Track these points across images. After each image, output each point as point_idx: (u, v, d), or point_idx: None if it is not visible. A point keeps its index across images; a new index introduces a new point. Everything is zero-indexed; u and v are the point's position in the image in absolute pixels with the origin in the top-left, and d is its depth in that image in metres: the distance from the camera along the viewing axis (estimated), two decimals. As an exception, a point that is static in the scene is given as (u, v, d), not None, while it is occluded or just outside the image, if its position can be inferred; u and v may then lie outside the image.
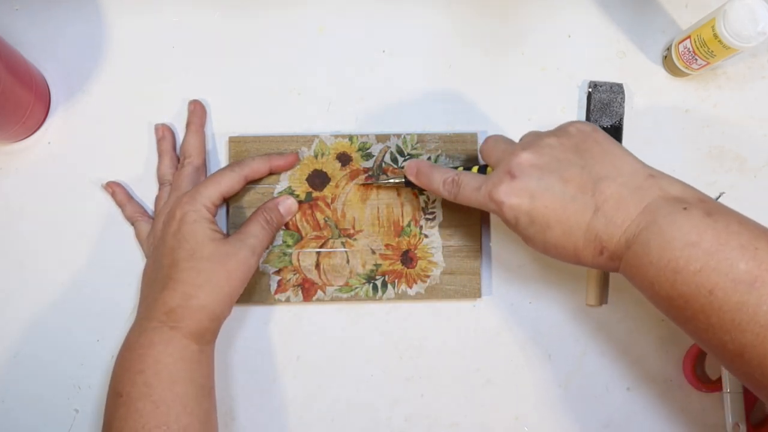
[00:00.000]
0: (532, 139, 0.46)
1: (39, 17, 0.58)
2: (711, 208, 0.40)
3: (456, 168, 0.51)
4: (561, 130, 0.46)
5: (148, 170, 0.57)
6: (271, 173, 0.55)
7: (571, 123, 0.46)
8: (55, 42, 0.58)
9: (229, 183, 0.52)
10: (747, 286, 0.37)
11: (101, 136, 0.57)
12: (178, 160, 0.56)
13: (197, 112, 0.56)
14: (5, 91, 0.49)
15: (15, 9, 0.58)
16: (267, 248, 0.55)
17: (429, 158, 0.56)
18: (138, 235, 0.55)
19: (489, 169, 0.50)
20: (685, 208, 0.40)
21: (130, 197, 0.56)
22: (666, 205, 0.41)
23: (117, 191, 0.56)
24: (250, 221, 0.52)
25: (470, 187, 0.46)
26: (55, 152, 0.57)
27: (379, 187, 0.56)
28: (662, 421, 0.56)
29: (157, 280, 0.49)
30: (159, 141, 0.56)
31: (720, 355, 0.40)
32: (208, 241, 0.49)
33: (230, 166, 0.53)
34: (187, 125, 0.56)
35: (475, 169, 0.52)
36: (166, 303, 0.48)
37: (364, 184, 0.56)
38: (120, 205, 0.56)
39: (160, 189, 0.56)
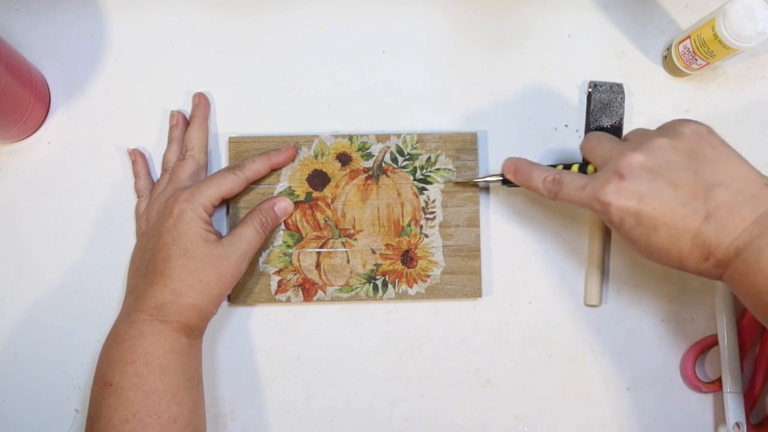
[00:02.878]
0: (642, 139, 0.45)
1: (39, 17, 0.58)
2: None
3: (554, 166, 0.50)
4: (673, 131, 0.44)
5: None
6: (272, 170, 0.55)
7: (685, 122, 0.45)
8: (55, 42, 0.58)
9: (230, 185, 0.52)
10: None
11: (101, 136, 0.57)
12: None
13: (201, 105, 0.56)
14: (5, 91, 0.49)
15: (15, 9, 0.58)
16: (258, 249, 0.54)
17: (429, 158, 0.56)
18: (136, 210, 0.56)
19: (591, 168, 0.49)
20: None
21: (147, 172, 0.56)
22: None
23: (138, 161, 0.56)
24: (245, 224, 0.52)
25: (573, 186, 0.46)
26: (55, 152, 0.57)
27: (378, 188, 0.56)
28: (662, 421, 0.56)
29: (147, 273, 0.50)
30: (171, 128, 0.57)
31: None
32: (202, 241, 0.49)
33: (232, 168, 0.53)
34: (191, 118, 0.56)
35: (575, 167, 0.50)
36: (156, 297, 0.48)
37: (458, 183, 0.56)
38: (135, 175, 0.56)
39: (161, 174, 0.56)
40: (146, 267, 0.50)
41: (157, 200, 0.53)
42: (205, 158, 0.55)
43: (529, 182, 0.49)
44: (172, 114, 0.57)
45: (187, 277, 0.48)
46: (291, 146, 0.55)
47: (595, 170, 0.47)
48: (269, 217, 0.53)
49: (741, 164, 0.43)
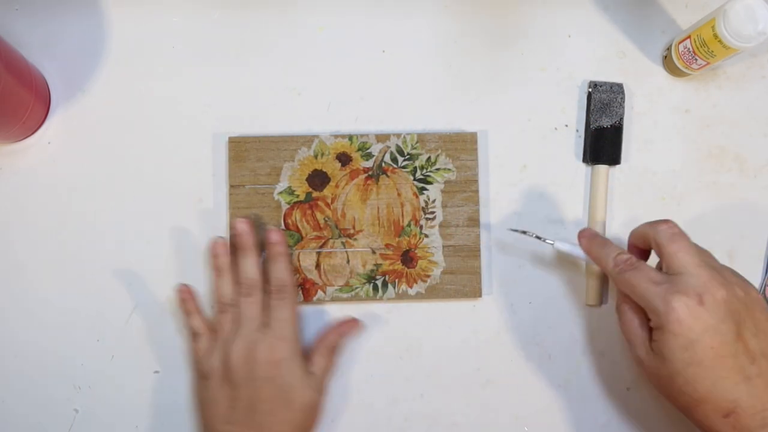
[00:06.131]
0: (724, 275, 0.45)
1: (39, 17, 0.58)
2: None
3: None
4: (747, 288, 0.45)
5: (147, 170, 0.57)
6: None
7: (754, 288, 0.46)
8: (55, 42, 0.58)
9: (295, 305, 0.52)
10: None
11: (101, 136, 0.57)
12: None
13: (244, 232, 0.54)
14: (5, 91, 0.49)
15: (15, 9, 0.58)
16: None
17: (429, 158, 0.56)
18: (196, 351, 0.53)
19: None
20: None
21: (199, 308, 0.54)
22: None
23: (187, 299, 0.54)
24: (321, 355, 0.53)
25: (647, 276, 0.45)
26: (55, 152, 0.57)
27: (378, 188, 0.56)
28: (662, 421, 0.56)
29: (245, 423, 0.49)
30: (215, 256, 0.54)
31: None
32: (307, 389, 0.51)
33: (282, 290, 0.52)
34: (241, 248, 0.53)
35: None
36: None
37: (515, 231, 0.55)
38: (187, 313, 0.54)
39: (220, 310, 0.53)
40: (243, 417, 0.49)
41: (234, 342, 0.51)
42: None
43: (600, 252, 0.49)
44: (216, 243, 0.54)
45: (292, 429, 0.50)
46: (274, 230, 0.54)
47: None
48: (336, 345, 0.54)
49: None
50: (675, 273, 0.45)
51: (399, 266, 0.56)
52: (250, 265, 0.53)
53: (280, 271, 0.53)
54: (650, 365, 0.45)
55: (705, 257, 0.46)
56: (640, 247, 0.50)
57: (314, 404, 0.51)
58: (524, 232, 0.54)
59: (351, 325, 0.55)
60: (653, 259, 0.50)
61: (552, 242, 0.53)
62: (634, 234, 0.50)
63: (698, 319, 0.42)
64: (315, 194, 0.56)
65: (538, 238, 0.54)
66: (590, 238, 0.51)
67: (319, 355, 0.53)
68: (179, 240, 0.56)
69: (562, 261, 0.57)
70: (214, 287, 0.54)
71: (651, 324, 0.45)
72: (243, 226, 0.53)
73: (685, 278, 0.44)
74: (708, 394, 0.43)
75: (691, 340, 0.42)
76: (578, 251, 0.52)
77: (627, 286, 0.46)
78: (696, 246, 0.46)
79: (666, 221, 0.47)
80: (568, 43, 0.59)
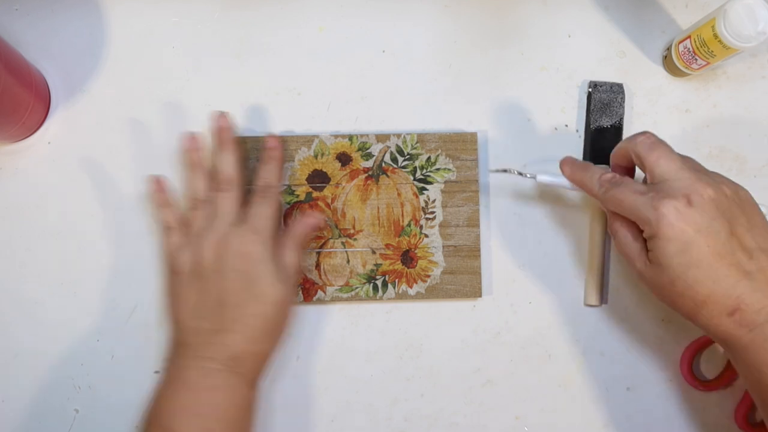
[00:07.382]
0: (709, 176, 0.44)
1: (39, 17, 0.58)
2: None
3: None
4: (734, 186, 0.45)
5: (148, 170, 0.57)
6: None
7: (742, 187, 0.46)
8: (55, 42, 0.58)
9: (276, 207, 0.51)
10: None
11: (101, 136, 0.57)
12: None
13: (230, 128, 0.54)
14: (5, 91, 0.49)
15: (15, 9, 0.58)
16: None
17: (429, 158, 0.56)
18: (167, 245, 0.52)
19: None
20: None
21: (171, 201, 0.54)
22: None
23: (159, 191, 0.54)
24: (289, 249, 0.51)
25: (633, 189, 0.44)
26: (55, 152, 0.57)
27: (378, 188, 0.56)
28: (662, 421, 0.56)
29: (215, 318, 0.48)
30: (189, 151, 0.54)
31: None
32: (278, 284, 0.48)
33: (265, 191, 0.52)
34: (221, 142, 0.53)
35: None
36: (229, 347, 0.47)
37: (496, 171, 0.55)
38: (158, 205, 0.54)
39: (194, 206, 0.52)
40: (212, 311, 0.48)
41: (206, 237, 0.49)
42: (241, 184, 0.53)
43: (584, 176, 0.49)
44: (187, 137, 0.54)
45: (264, 324, 0.47)
46: (272, 137, 0.54)
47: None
48: (305, 238, 0.53)
49: None
50: (659, 181, 0.44)
51: (399, 266, 0.56)
52: (228, 161, 0.52)
53: (269, 172, 0.53)
54: (650, 276, 0.44)
55: (687, 161, 0.45)
56: (623, 165, 0.49)
57: (286, 300, 0.49)
58: (505, 171, 0.54)
59: (312, 214, 0.54)
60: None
61: (533, 176, 0.52)
62: (615, 154, 0.49)
63: (689, 220, 0.42)
64: (315, 194, 0.56)
65: (520, 174, 0.53)
66: (572, 164, 0.50)
67: (286, 249, 0.51)
68: (179, 240, 0.56)
69: (562, 260, 0.57)
70: (186, 183, 0.54)
71: (644, 235, 0.44)
72: (224, 120, 0.53)
73: (670, 183, 0.43)
74: (710, 294, 0.42)
75: (686, 242, 0.42)
76: (562, 180, 0.52)
77: (615, 203, 0.46)
78: (676, 152, 0.45)
79: (643, 133, 0.46)
80: (568, 43, 0.59)
